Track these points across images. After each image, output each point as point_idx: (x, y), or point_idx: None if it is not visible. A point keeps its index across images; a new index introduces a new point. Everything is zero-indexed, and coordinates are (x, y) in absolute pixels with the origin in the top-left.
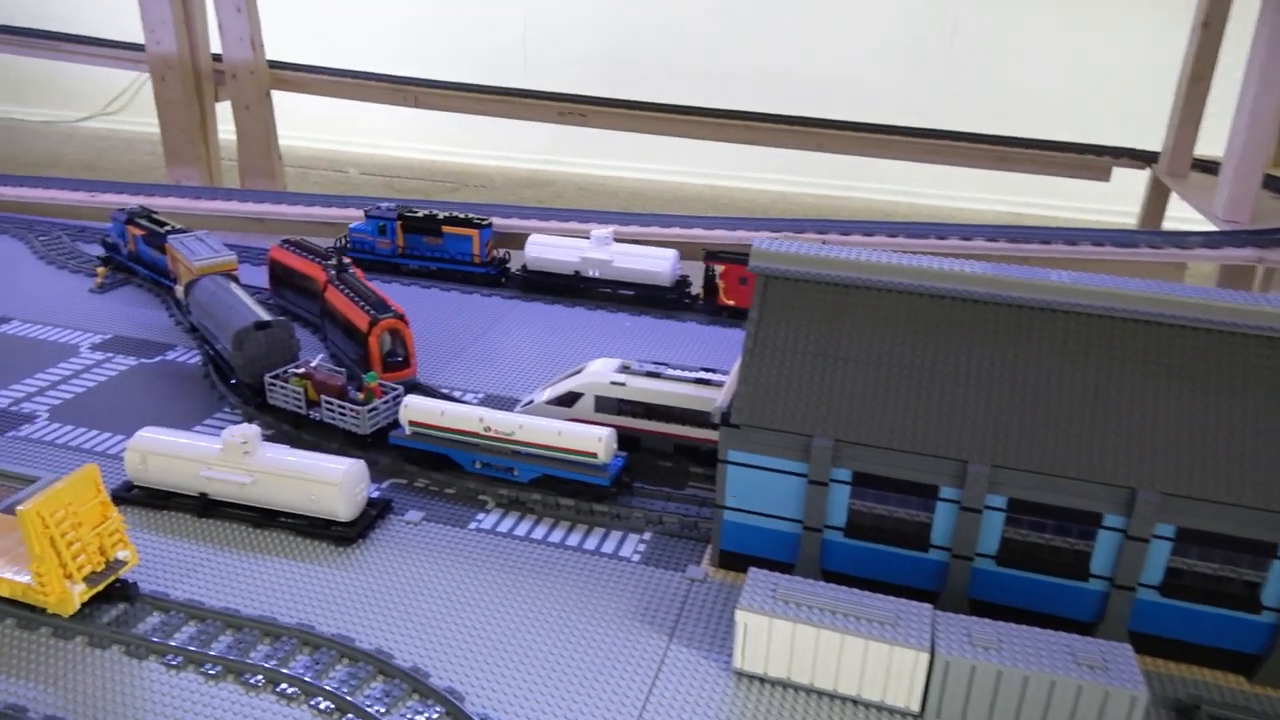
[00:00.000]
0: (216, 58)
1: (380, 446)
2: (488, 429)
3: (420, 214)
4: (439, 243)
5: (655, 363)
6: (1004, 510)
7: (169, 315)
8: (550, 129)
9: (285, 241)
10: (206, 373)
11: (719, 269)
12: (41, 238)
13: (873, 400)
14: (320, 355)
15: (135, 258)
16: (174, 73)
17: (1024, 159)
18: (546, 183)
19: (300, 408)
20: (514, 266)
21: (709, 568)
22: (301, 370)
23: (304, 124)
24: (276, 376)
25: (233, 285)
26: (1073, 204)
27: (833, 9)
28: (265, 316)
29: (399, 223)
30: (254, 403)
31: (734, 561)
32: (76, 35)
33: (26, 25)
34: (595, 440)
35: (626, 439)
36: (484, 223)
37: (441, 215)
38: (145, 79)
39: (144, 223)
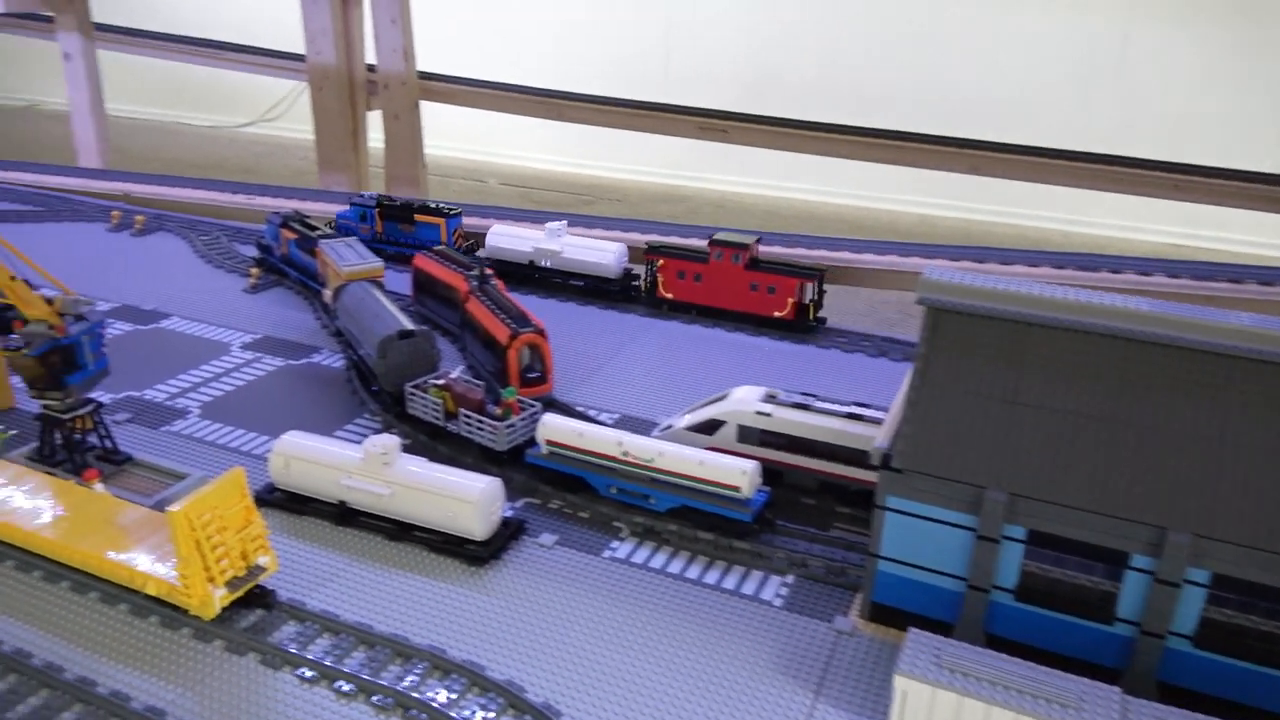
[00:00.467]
0: (370, 68)
1: (515, 464)
2: (626, 454)
3: (397, 203)
4: (412, 230)
5: (803, 393)
6: (1206, 586)
7: (316, 318)
8: (688, 144)
9: (430, 250)
10: (349, 378)
11: (659, 263)
12: (202, 237)
13: (1055, 452)
14: (460, 367)
15: (287, 260)
16: (331, 82)
17: (1201, 188)
18: (682, 198)
19: (438, 419)
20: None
21: (858, 620)
22: (441, 382)
23: (447, 133)
24: (416, 386)
25: (378, 292)
26: (1250, 238)
27: (989, 25)
28: (409, 326)
29: (377, 210)
30: (393, 411)
31: (886, 615)
32: (243, 45)
33: (197, 35)
34: (739, 473)
35: (768, 472)
36: (453, 212)
37: (416, 204)
38: (303, 88)
39: (297, 226)
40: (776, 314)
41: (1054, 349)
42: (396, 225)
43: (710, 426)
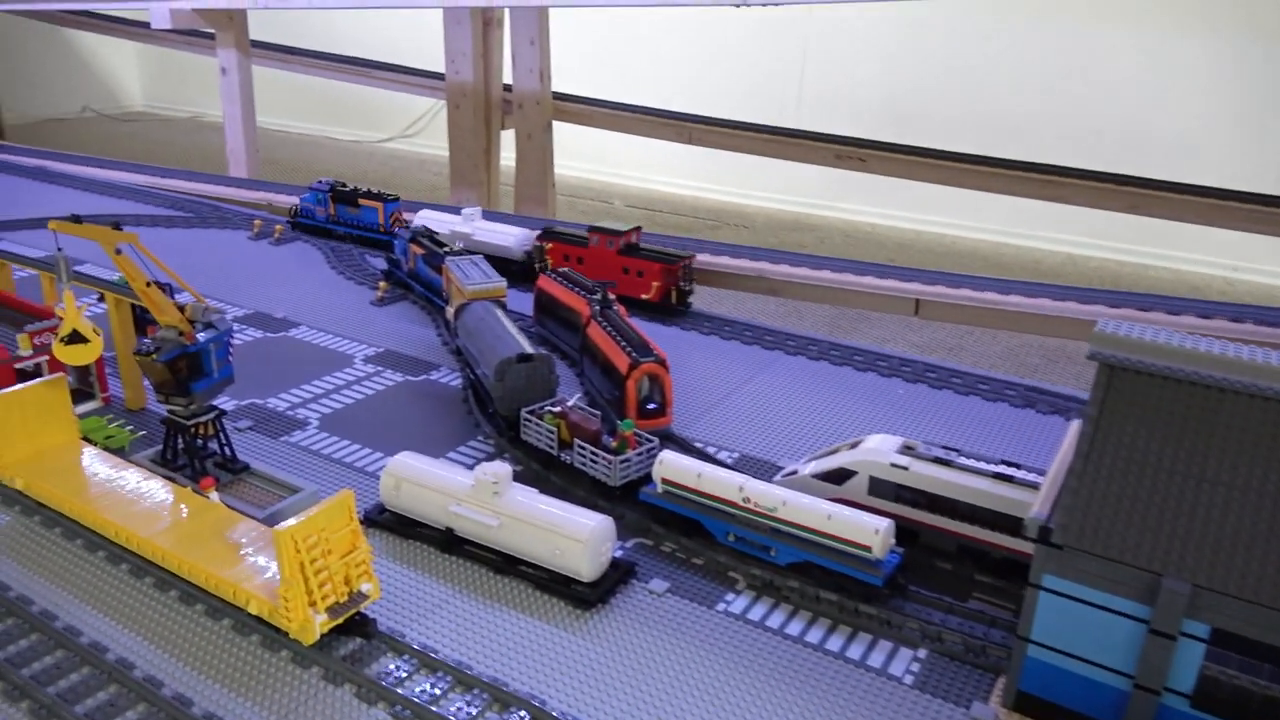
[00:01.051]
0: (506, 88)
1: (629, 500)
2: (747, 500)
3: (347, 188)
4: (357, 212)
5: (944, 446)
6: None
7: (437, 335)
8: (818, 172)
9: (553, 271)
10: (466, 397)
11: (548, 246)
12: (335, 248)
13: (1249, 540)
14: (577, 395)
15: (414, 275)
16: (468, 101)
17: None
18: (812, 227)
19: (552, 448)
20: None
21: (1000, 709)
22: (558, 409)
23: (575, 154)
24: (532, 412)
25: (500, 313)
26: None
27: (1149, 54)
28: (528, 349)
29: (331, 195)
30: (507, 435)
31: (1033, 707)
32: (387, 64)
33: (346, 54)
34: (871, 532)
35: (902, 532)
36: (390, 198)
37: (361, 190)
38: (441, 105)
39: (425, 242)
40: (644, 296)
41: (1252, 420)
42: (346, 208)
43: (839, 476)
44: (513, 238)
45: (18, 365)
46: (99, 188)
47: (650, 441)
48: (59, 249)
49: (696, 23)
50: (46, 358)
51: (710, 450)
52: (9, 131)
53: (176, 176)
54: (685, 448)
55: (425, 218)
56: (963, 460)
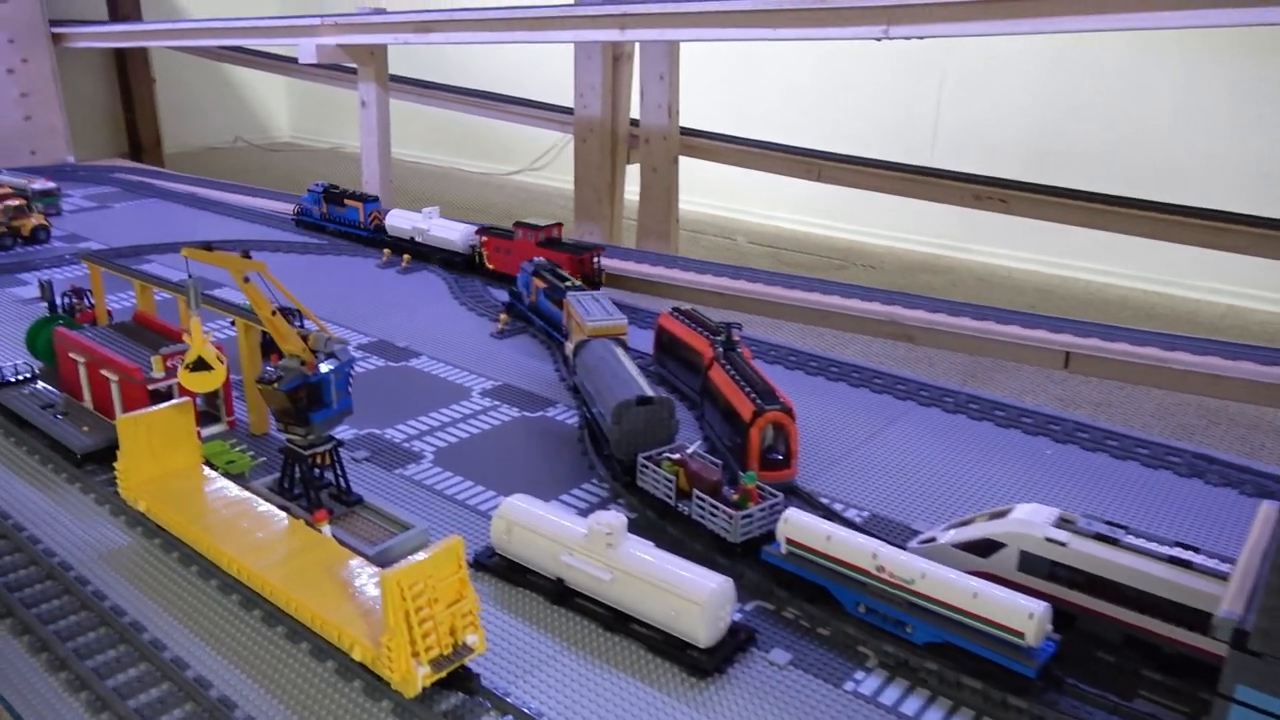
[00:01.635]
0: (633, 123)
1: (749, 558)
2: (881, 569)
3: (337, 190)
4: (344, 210)
5: (1109, 523)
6: None
7: (555, 370)
8: (951, 211)
9: (675, 310)
10: (581, 436)
11: (484, 239)
12: (459, 279)
13: None
14: (697, 443)
15: (535, 308)
16: (595, 135)
17: None
18: (944, 269)
19: (669, 497)
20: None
21: None
22: (676, 456)
23: (699, 189)
24: (650, 458)
25: (620, 351)
26: None
27: None
28: (648, 392)
29: (324, 195)
30: (623, 480)
31: None
32: (517, 98)
33: (478, 88)
34: (1025, 615)
35: (1057, 615)
36: (370, 198)
37: (348, 192)
38: (568, 140)
39: (547, 276)
40: None
41: None
42: (335, 207)
43: (985, 548)
44: (458, 233)
45: (151, 386)
46: (243, 213)
47: (774, 497)
48: (190, 275)
49: (826, 56)
50: (177, 380)
51: (837, 507)
52: (168, 159)
53: None
54: (810, 503)
55: (395, 215)
56: (1130, 539)
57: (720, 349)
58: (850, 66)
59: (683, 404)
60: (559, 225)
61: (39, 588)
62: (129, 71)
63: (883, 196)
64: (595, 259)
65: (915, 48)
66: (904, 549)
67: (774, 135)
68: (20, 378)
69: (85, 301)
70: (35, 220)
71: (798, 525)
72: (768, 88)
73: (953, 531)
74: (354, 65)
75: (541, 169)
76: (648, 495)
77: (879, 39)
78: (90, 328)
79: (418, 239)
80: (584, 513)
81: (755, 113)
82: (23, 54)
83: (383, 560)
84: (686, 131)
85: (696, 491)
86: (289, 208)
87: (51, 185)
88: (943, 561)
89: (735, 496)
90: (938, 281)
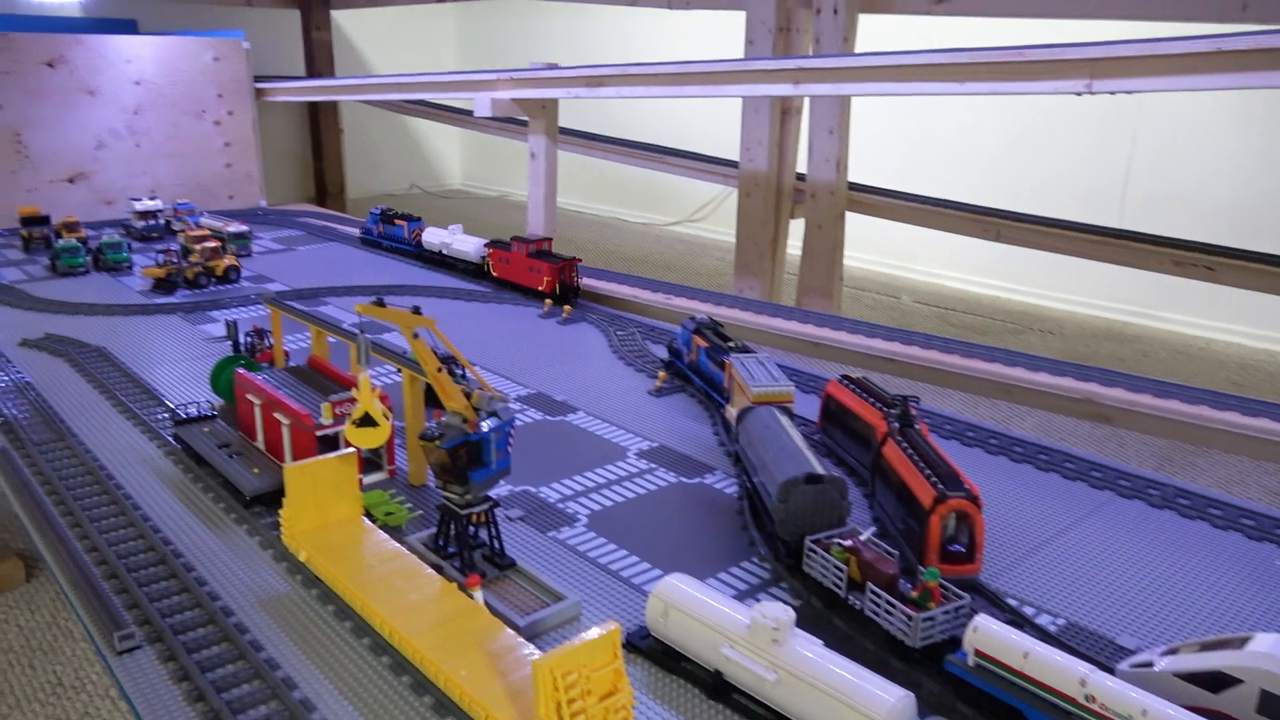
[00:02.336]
0: (800, 177)
1: (929, 665)
2: (1091, 699)
3: (391, 212)
4: (394, 228)
5: None
6: None
7: (714, 434)
8: (1140, 277)
9: (844, 378)
10: (741, 509)
11: (490, 250)
12: (619, 332)
13: None
14: (871, 529)
15: (694, 367)
16: (759, 189)
17: None
18: (1131, 338)
19: (838, 586)
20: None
21: None
22: (848, 543)
23: (861, 245)
24: (818, 542)
25: (785, 421)
26: None
27: None
28: (818, 469)
29: (380, 217)
30: (786, 563)
31: None
32: (681, 150)
33: (641, 140)
34: None
35: None
36: (414, 218)
37: (397, 213)
38: (730, 192)
39: (710, 335)
40: (540, 288)
41: None
42: (388, 226)
43: (1216, 681)
44: (472, 246)
45: (319, 433)
46: (415, 259)
47: (960, 599)
48: (361, 329)
49: (1004, 111)
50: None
51: (1027, 611)
52: (350, 205)
53: None
54: (996, 604)
55: (429, 233)
56: None
57: (895, 423)
58: (1031, 122)
59: (850, 479)
60: (549, 240)
61: (201, 632)
62: (320, 123)
63: (1062, 258)
64: (575, 269)
65: (1105, 102)
66: (1113, 673)
67: (947, 192)
68: (201, 415)
69: (266, 342)
70: (228, 261)
71: (990, 636)
72: (941, 143)
73: (1173, 658)
74: (525, 118)
75: (700, 221)
76: (814, 582)
77: (1080, 94)
78: (268, 369)
79: (444, 252)
80: (743, 595)
81: (928, 168)
82: (229, 107)
83: (534, 632)
84: (854, 187)
85: (870, 584)
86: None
87: (244, 229)
88: (1161, 692)
89: (914, 594)
90: (1125, 351)
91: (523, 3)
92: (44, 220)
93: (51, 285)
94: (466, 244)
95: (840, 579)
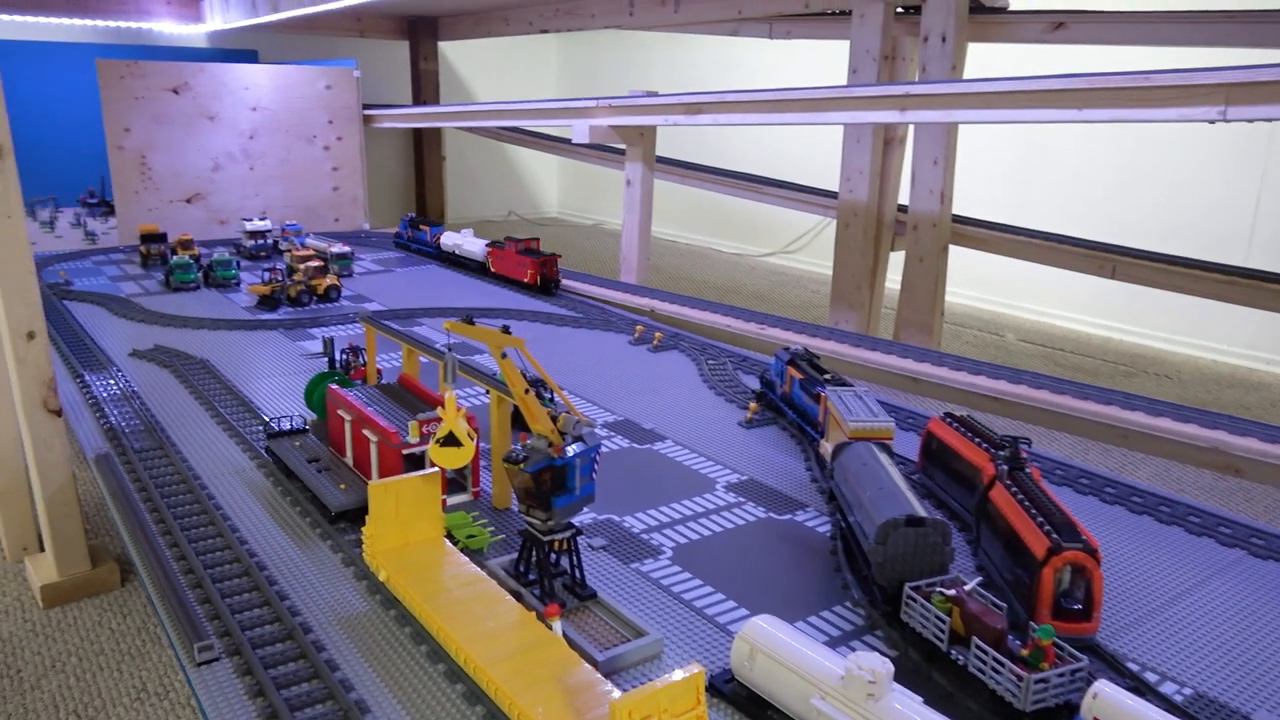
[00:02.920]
0: (901, 209)
1: None
2: None
3: (417, 218)
4: (420, 233)
5: None
6: None
7: (806, 470)
8: (1271, 320)
9: (948, 416)
10: (834, 549)
11: (490, 248)
12: (710, 361)
13: None
14: (977, 579)
15: (787, 399)
16: (859, 220)
17: None
18: (1259, 385)
19: (939, 639)
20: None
21: None
22: (952, 592)
23: (962, 280)
24: (918, 589)
25: (885, 459)
26: None
27: None
28: (919, 511)
29: (410, 223)
30: (882, 609)
31: None
32: (778, 180)
33: (736, 169)
34: None
35: None
36: (436, 224)
37: (423, 219)
38: (827, 223)
39: (804, 366)
40: (524, 280)
41: None
42: (416, 231)
43: None
44: (478, 247)
45: (405, 451)
46: (508, 283)
47: (1076, 661)
48: (450, 348)
49: (1122, 140)
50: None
51: (1149, 678)
52: (449, 229)
53: (573, 278)
54: (1115, 668)
55: (446, 236)
56: None
57: (1004, 466)
58: (1149, 153)
59: (952, 523)
60: (536, 240)
61: (279, 647)
62: (424, 149)
63: (1181, 298)
64: (555, 264)
65: (1231, 131)
66: None
67: (1057, 226)
68: (293, 429)
69: (360, 359)
70: (330, 280)
71: (1114, 708)
72: (1051, 175)
73: None
74: (622, 145)
75: (795, 252)
76: (912, 633)
77: (1213, 121)
78: (360, 386)
79: (457, 251)
80: (835, 642)
81: (1036, 201)
82: (338, 133)
83: (612, 668)
84: (958, 219)
85: (976, 639)
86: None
87: (347, 250)
88: None
89: (1025, 652)
90: (1251, 399)
91: (623, 33)
92: (161, 238)
93: (164, 299)
94: (474, 245)
95: (942, 631)
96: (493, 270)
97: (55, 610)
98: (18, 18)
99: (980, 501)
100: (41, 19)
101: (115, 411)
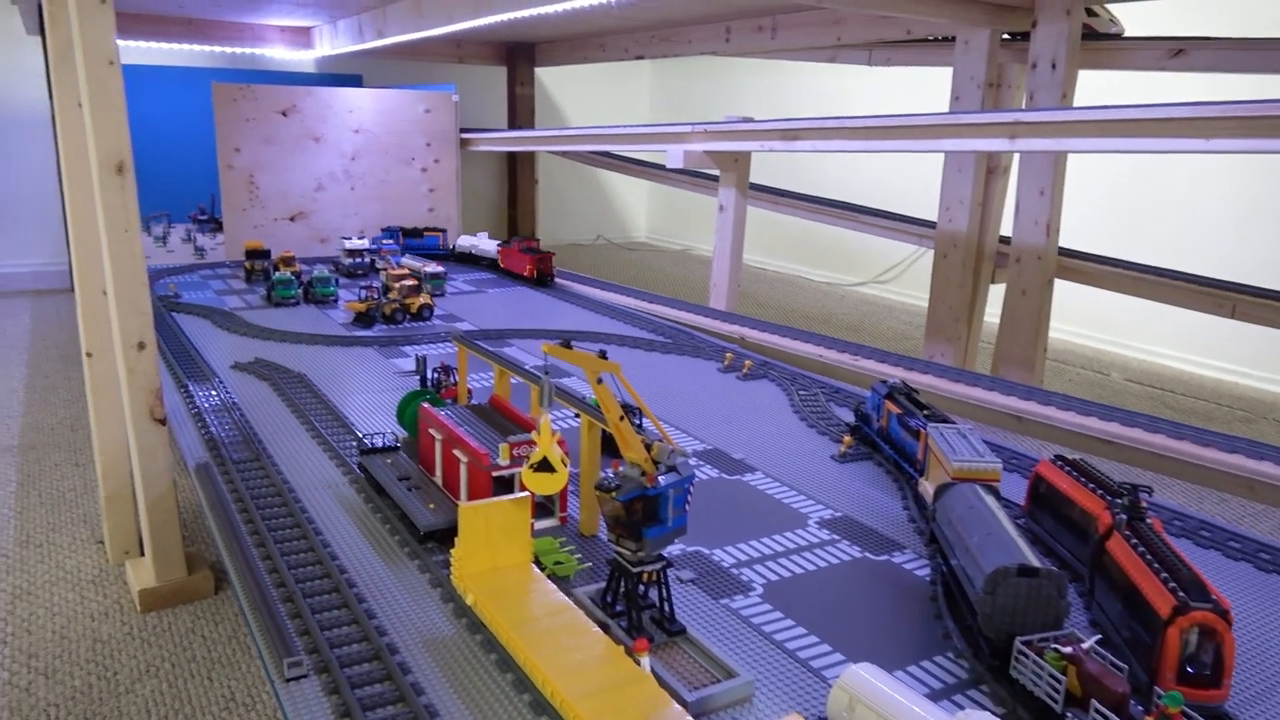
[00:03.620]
0: (1003, 240)
1: None
2: None
3: (412, 229)
4: (421, 239)
5: None
6: None
7: (904, 509)
8: None
9: (1059, 459)
10: (934, 594)
11: (499, 248)
12: (801, 391)
13: None
14: (1095, 637)
15: (884, 434)
16: (957, 251)
17: None
18: None
19: (1053, 699)
20: None
21: None
22: (1068, 649)
23: (1065, 316)
24: (1030, 644)
25: (992, 502)
26: None
27: None
28: (1033, 561)
29: (400, 232)
30: (988, 663)
31: None
32: (872, 209)
33: (830, 197)
34: None
35: None
36: (440, 231)
37: (421, 229)
38: (922, 253)
39: (903, 401)
40: (524, 274)
41: None
42: (411, 240)
43: None
44: (491, 246)
45: (495, 473)
46: (597, 306)
47: None
48: (546, 371)
49: (1243, 173)
50: (520, 470)
51: None
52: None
53: (662, 303)
54: None
55: (461, 239)
56: None
57: (1123, 516)
58: (1274, 187)
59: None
60: (537, 240)
61: (365, 668)
62: (517, 173)
63: None
64: (550, 260)
65: None
66: None
67: (1169, 261)
68: (385, 445)
69: (451, 378)
70: (423, 300)
71: None
72: (1164, 207)
73: None
74: (714, 171)
75: (887, 282)
76: (1022, 690)
77: None
78: (451, 405)
79: (474, 250)
80: (936, 695)
81: (1147, 234)
82: (436, 155)
83: (701, 709)
84: (1064, 252)
85: (1095, 702)
86: (641, 304)
87: (440, 270)
88: None
89: (1151, 719)
90: None
91: (717, 60)
92: (265, 254)
93: (266, 314)
94: (489, 245)
95: (1056, 691)
96: (502, 266)
97: (151, 615)
98: (143, 43)
99: (1095, 552)
100: (164, 45)
101: (216, 422)
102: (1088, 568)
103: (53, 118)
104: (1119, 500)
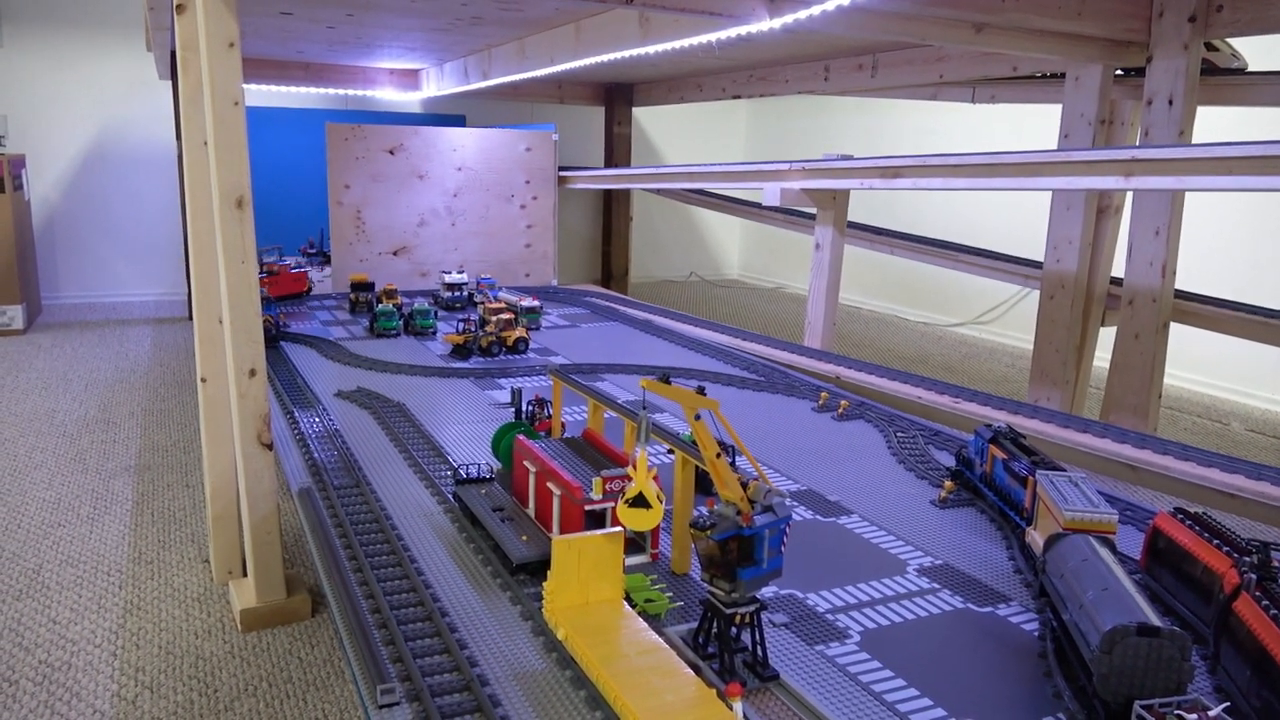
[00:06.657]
0: (1114, 281)
1: None
2: None
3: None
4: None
5: None
6: None
7: (1010, 559)
8: None
9: (1179, 511)
10: (1043, 650)
11: None
12: (899, 434)
13: None
14: (1223, 705)
15: (988, 480)
16: (1065, 292)
17: None
18: None
19: None
20: None
21: None
22: (1193, 717)
23: (1180, 361)
24: (1150, 709)
25: (1107, 555)
26: None
27: None
28: (1154, 620)
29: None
30: None
31: None
32: (973, 248)
33: (928, 236)
34: None
35: None
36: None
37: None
38: (1026, 294)
39: (1008, 445)
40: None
41: None
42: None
43: None
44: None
45: (588, 507)
46: (690, 343)
47: None
48: (645, 407)
49: None
50: (613, 506)
51: None
52: (631, 288)
53: (756, 340)
54: None
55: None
56: None
57: (1251, 575)
58: None
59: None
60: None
61: (456, 698)
62: (613, 210)
63: None
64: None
65: None
66: None
67: None
68: (480, 476)
69: (545, 411)
70: (519, 333)
71: None
72: None
73: None
74: (809, 209)
75: (988, 323)
76: None
77: None
78: (545, 438)
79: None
80: None
81: (1267, 277)
82: (534, 193)
83: None
84: (1180, 294)
85: None
86: (735, 341)
87: (536, 304)
88: None
89: None
90: None
91: (814, 99)
92: (369, 287)
93: (368, 344)
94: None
95: None
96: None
97: (252, 635)
98: (264, 87)
99: (1221, 613)
100: (281, 88)
101: (319, 448)
102: (1212, 629)
103: (179, 157)
104: (1247, 558)
